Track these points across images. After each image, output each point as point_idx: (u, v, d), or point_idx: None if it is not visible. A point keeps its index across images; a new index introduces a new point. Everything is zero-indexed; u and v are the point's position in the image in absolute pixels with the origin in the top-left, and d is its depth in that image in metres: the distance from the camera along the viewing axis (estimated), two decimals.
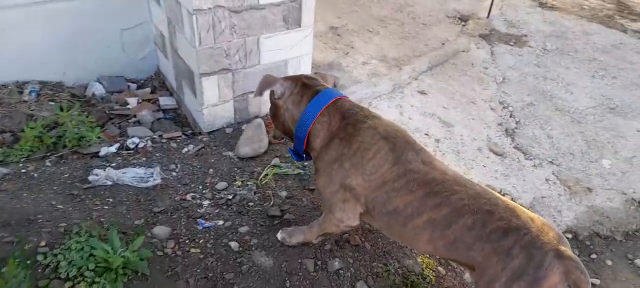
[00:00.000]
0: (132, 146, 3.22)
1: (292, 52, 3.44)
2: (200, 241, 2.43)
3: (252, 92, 3.40)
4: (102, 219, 2.46)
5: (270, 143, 3.23)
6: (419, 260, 2.53)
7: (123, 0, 3.65)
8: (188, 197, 2.77)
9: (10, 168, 2.83)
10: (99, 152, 3.11)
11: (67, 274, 2.04)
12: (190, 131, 3.50)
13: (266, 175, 2.96)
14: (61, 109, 3.23)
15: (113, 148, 3.16)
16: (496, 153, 3.48)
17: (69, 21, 3.54)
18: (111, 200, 2.65)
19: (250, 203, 2.75)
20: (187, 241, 2.42)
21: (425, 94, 4.13)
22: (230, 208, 2.71)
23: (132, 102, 3.75)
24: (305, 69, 3.59)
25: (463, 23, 5.70)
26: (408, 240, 2.07)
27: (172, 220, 2.57)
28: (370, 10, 5.76)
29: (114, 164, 2.98)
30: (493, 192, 1.94)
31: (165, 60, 3.77)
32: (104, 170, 2.83)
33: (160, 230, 2.44)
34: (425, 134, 3.59)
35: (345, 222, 2.14)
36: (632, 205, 3.17)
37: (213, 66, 3.10)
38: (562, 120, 3.98)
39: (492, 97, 4.22)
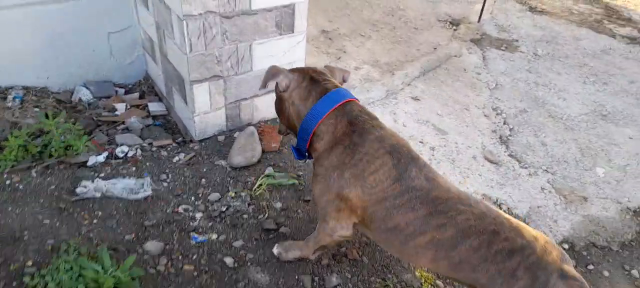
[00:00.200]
0: (121, 155, 3.12)
1: (285, 58, 3.37)
2: (194, 257, 2.36)
3: (244, 99, 3.33)
4: (91, 235, 2.37)
5: (263, 151, 3.17)
6: (417, 274, 2.49)
7: (109, 3, 3.55)
8: (180, 209, 2.69)
9: None
10: (87, 161, 3.01)
11: None
12: (180, 139, 3.42)
13: (260, 185, 2.89)
14: (47, 116, 3.12)
15: (101, 158, 3.06)
16: (491, 162, 3.46)
17: (53, 24, 3.42)
18: (100, 213, 2.56)
19: (245, 216, 2.68)
20: (180, 257, 2.34)
21: (418, 100, 4.09)
22: (224, 221, 2.63)
23: (121, 107, 3.64)
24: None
25: (454, 27, 5.69)
26: (409, 257, 2.01)
27: (164, 235, 2.49)
28: (362, 14, 5.71)
29: (102, 174, 2.89)
30: (496, 209, 1.90)
31: (154, 64, 3.68)
32: (93, 182, 2.74)
33: (152, 246, 2.36)
34: (420, 142, 3.55)
35: (338, 232, 2.08)
36: (627, 214, 3.17)
37: (204, 73, 3.02)
38: (556, 127, 3.97)
39: (485, 103, 4.20)
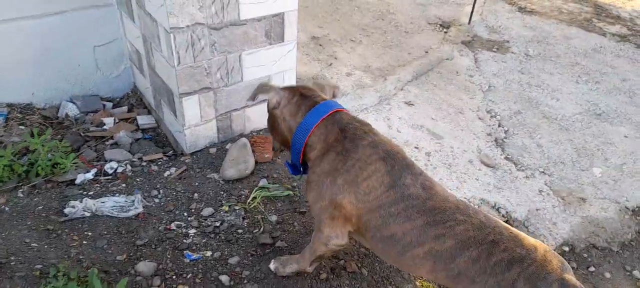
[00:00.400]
0: (110, 171, 3.05)
1: (276, 67, 3.31)
2: (188, 276, 2.28)
3: (235, 109, 3.27)
4: (81, 257, 2.29)
5: (256, 162, 3.10)
6: (418, 284, 2.43)
7: (93, 16, 3.47)
8: (173, 226, 2.61)
9: None
10: (75, 179, 2.93)
11: None
12: (171, 152, 3.34)
13: (254, 198, 2.83)
14: (32, 135, 3.03)
15: (90, 175, 2.98)
16: (488, 165, 3.42)
17: (36, 39, 3.34)
18: (90, 233, 2.48)
19: (239, 231, 2.61)
20: (174, 277, 2.27)
21: (412, 105, 4.05)
22: (218, 237, 2.56)
23: (109, 122, 3.56)
24: (290, 83, 3.47)
25: (445, 30, 5.67)
26: (407, 268, 1.96)
27: (156, 254, 2.41)
28: (352, 19, 5.67)
29: (91, 193, 2.80)
30: (494, 217, 1.85)
31: (142, 77, 3.60)
32: (81, 201, 2.66)
33: (145, 266, 2.28)
34: (415, 147, 3.50)
35: (333, 241, 2.02)
36: (626, 214, 3.14)
37: (193, 86, 2.96)
38: (550, 128, 3.95)
39: (479, 106, 4.17)
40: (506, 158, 3.55)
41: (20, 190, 2.78)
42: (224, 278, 2.29)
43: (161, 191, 2.86)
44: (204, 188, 2.90)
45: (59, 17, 3.35)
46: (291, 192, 2.89)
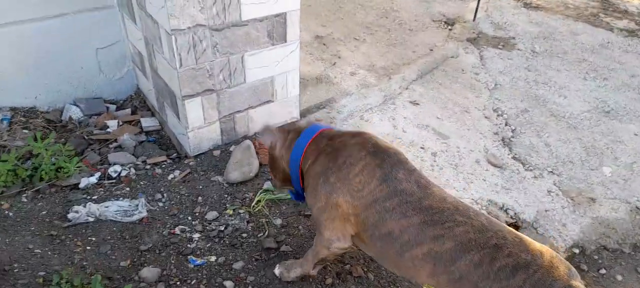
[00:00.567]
0: (114, 175, 3.02)
1: (279, 68, 3.28)
2: (193, 282, 2.26)
3: (239, 111, 3.24)
4: (84, 263, 2.27)
5: (261, 164, 3.07)
6: None
7: (95, 18, 3.45)
8: (177, 230, 2.59)
9: None
10: (78, 183, 2.91)
11: None
12: (175, 154, 3.32)
13: (259, 201, 2.80)
14: (35, 139, 3.01)
15: (94, 179, 2.96)
16: (495, 165, 3.37)
17: (39, 42, 3.32)
18: (94, 239, 2.46)
19: (244, 235, 2.58)
20: (178, 283, 2.24)
21: (417, 104, 4.00)
22: (222, 241, 2.53)
23: (112, 124, 3.55)
24: (293, 84, 3.44)
25: (449, 27, 5.61)
26: (406, 271, 1.91)
27: (160, 259, 2.39)
28: (355, 17, 5.62)
29: (95, 197, 2.78)
30: (498, 221, 1.80)
31: (145, 79, 3.58)
32: (85, 206, 2.64)
33: (149, 272, 2.25)
34: (421, 148, 3.46)
35: (335, 243, 2.01)
36: (637, 215, 3.09)
37: (196, 88, 2.93)
38: (558, 126, 3.89)
39: (485, 104, 4.11)
40: (514, 158, 3.50)
41: (24, 194, 2.77)
42: (229, 284, 2.26)
43: (165, 194, 2.84)
44: (208, 192, 2.87)
45: (60, 19, 3.33)
46: None
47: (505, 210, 3.01)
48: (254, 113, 3.34)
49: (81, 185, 2.90)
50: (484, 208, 2.99)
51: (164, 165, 3.14)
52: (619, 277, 2.74)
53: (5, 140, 3.16)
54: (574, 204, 3.11)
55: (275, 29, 3.08)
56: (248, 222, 2.66)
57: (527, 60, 4.94)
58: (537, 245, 1.71)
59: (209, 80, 2.96)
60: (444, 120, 3.83)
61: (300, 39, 3.25)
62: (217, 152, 3.21)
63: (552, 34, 5.56)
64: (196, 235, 2.56)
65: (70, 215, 2.57)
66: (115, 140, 3.39)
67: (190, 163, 3.11)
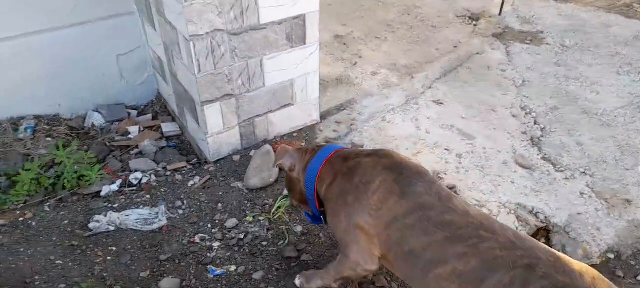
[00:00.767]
0: (135, 182, 3.03)
1: (298, 70, 3.22)
2: None
3: (258, 115, 3.20)
4: (105, 274, 2.26)
5: (281, 170, 3.03)
6: None
7: (114, 25, 3.46)
8: (197, 238, 2.56)
9: (6, 218, 2.64)
10: (100, 191, 2.92)
11: None
12: (195, 160, 3.30)
13: (279, 208, 2.75)
14: (57, 148, 3.04)
15: (115, 186, 2.97)
16: (524, 167, 3.24)
17: (60, 50, 3.36)
18: (114, 249, 2.45)
19: (264, 243, 2.54)
20: None
21: (441, 104, 3.89)
22: (242, 250, 2.50)
23: (134, 130, 3.56)
24: (313, 87, 3.38)
25: (474, 23, 5.45)
26: None
27: (180, 268, 2.36)
28: (376, 15, 5.52)
29: (116, 205, 2.79)
30: (529, 237, 1.68)
31: (165, 85, 3.58)
32: (106, 215, 2.64)
33: (168, 283, 2.23)
34: (446, 149, 3.35)
35: (362, 266, 1.96)
36: None
37: (215, 93, 2.90)
38: (591, 124, 3.72)
39: (512, 102, 3.97)
40: (543, 158, 3.36)
41: (47, 203, 2.79)
42: None
43: (185, 202, 2.82)
44: (228, 198, 2.84)
45: (81, 27, 3.36)
46: None
47: (536, 214, 2.88)
48: (273, 117, 3.29)
49: (102, 193, 2.91)
50: (513, 212, 2.87)
51: (184, 171, 3.12)
52: None
53: (29, 149, 3.20)
54: (609, 206, 2.96)
55: (294, 32, 3.03)
56: (268, 230, 2.62)
57: (556, 55, 4.76)
58: (575, 264, 1.55)
59: (227, 85, 2.92)
60: (469, 119, 3.71)
61: (320, 39, 3.19)
62: (237, 157, 3.18)
63: (582, 27, 5.34)
64: (216, 244, 2.53)
65: (91, 225, 2.58)
66: (137, 146, 3.40)
67: (210, 169, 3.09)
